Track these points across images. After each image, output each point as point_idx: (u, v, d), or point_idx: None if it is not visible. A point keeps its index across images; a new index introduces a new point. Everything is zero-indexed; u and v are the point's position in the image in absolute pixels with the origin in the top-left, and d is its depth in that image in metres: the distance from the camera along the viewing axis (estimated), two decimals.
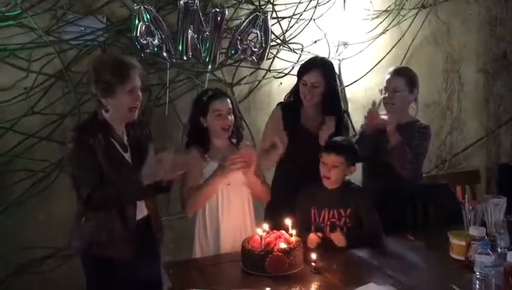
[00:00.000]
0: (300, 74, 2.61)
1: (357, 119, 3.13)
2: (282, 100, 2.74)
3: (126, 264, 2.06)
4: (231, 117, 2.35)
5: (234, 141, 2.44)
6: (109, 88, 2.05)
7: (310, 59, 2.72)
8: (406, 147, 2.58)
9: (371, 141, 2.68)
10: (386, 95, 2.69)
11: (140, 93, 2.13)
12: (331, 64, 2.70)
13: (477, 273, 1.67)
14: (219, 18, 2.82)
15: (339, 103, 2.71)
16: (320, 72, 2.56)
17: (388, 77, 2.72)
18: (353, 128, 3.19)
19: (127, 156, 2.15)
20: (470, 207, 2.25)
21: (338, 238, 2.24)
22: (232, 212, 2.35)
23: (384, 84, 2.72)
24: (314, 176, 2.40)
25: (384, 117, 2.64)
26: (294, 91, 2.67)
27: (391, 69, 2.76)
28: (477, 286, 1.67)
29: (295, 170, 2.54)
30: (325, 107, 2.61)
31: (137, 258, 2.08)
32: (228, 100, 2.37)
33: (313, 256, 2.04)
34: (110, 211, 2.08)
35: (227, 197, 2.35)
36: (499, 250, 2.07)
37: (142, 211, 2.20)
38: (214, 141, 2.39)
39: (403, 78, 2.69)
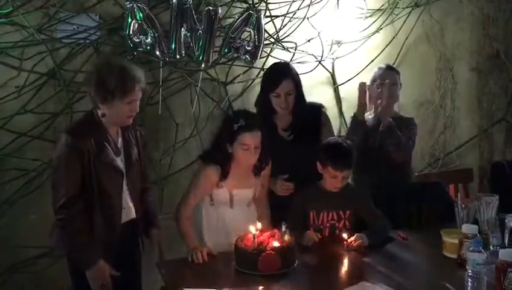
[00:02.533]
0: (273, 87, 2.52)
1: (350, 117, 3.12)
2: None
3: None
4: (258, 151, 2.25)
5: (255, 171, 2.35)
6: (109, 97, 2.01)
7: (275, 69, 2.66)
8: (396, 129, 2.67)
9: (362, 133, 2.73)
10: (382, 89, 2.74)
11: (138, 103, 2.10)
12: (293, 66, 2.68)
13: (469, 271, 1.68)
14: (212, 16, 2.81)
15: (305, 102, 2.65)
16: (291, 79, 2.53)
17: (381, 72, 2.80)
18: (346, 126, 3.19)
19: (119, 159, 2.13)
20: (463, 205, 2.27)
21: (361, 239, 2.23)
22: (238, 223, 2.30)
23: (378, 80, 2.79)
24: (303, 179, 2.42)
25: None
26: (263, 102, 2.60)
27: (380, 66, 2.86)
28: (469, 284, 1.67)
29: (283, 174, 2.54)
30: (297, 111, 2.58)
31: (118, 260, 2.08)
32: (259, 134, 2.24)
33: (345, 236, 2.17)
34: (91, 215, 2.05)
35: (229, 217, 2.35)
36: (491, 248, 2.09)
37: (131, 213, 2.18)
38: (235, 166, 2.30)
39: (396, 73, 2.83)
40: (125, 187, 2.15)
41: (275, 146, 2.52)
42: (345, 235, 2.26)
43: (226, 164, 2.28)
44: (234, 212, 2.35)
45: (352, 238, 2.23)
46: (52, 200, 2.03)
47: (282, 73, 2.56)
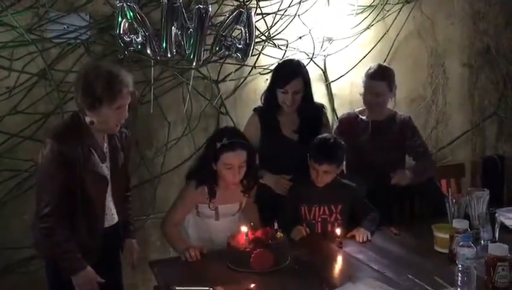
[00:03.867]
0: (282, 84, 2.53)
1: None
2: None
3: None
4: (243, 169, 2.19)
5: (244, 190, 2.31)
6: (97, 104, 1.95)
7: (287, 66, 2.65)
8: (411, 173, 2.64)
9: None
10: (368, 98, 2.70)
11: (126, 110, 2.04)
12: (304, 65, 2.67)
13: (459, 266, 1.69)
14: (203, 15, 2.81)
15: (313, 102, 2.68)
16: (301, 79, 2.53)
17: (368, 81, 2.71)
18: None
19: (105, 166, 2.08)
20: (454, 200, 2.27)
21: (362, 233, 2.27)
22: (221, 236, 2.29)
23: (363, 88, 2.73)
24: (295, 175, 2.43)
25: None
26: (269, 97, 2.61)
27: (369, 71, 2.73)
28: (459, 278, 1.68)
29: (276, 173, 2.55)
30: (303, 110, 2.59)
31: (99, 263, 2.06)
32: (244, 153, 2.17)
33: (338, 231, 2.17)
34: (73, 220, 2.02)
35: (214, 228, 2.33)
36: (482, 242, 2.11)
37: (113, 218, 2.15)
38: (221, 184, 2.25)
39: (385, 82, 2.70)
40: (109, 193, 2.11)
41: (278, 145, 2.53)
42: (338, 231, 2.27)
43: (212, 182, 2.23)
44: (220, 223, 2.31)
45: (360, 238, 2.27)
46: (36, 206, 2.00)
47: (294, 71, 2.55)
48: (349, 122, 2.81)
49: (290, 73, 2.54)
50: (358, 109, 2.86)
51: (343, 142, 2.45)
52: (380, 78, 2.69)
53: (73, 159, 1.95)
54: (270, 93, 2.62)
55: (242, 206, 2.37)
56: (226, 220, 2.33)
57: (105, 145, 2.11)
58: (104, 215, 2.11)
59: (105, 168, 2.08)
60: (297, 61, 2.71)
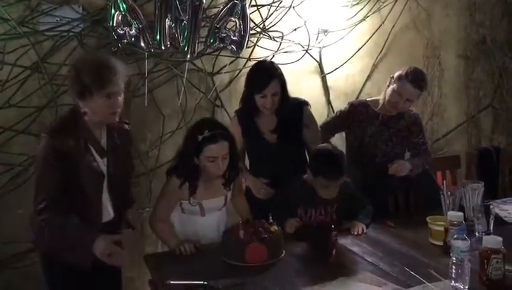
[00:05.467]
0: (259, 88, 2.45)
1: (338, 106, 3.11)
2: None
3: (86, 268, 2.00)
4: (227, 161, 2.14)
5: (225, 184, 2.25)
6: (86, 92, 1.91)
7: (261, 70, 2.53)
8: (410, 164, 2.64)
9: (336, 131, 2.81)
10: (399, 100, 2.60)
11: (120, 99, 1.99)
12: (278, 66, 2.56)
13: (453, 258, 1.68)
14: (197, 6, 2.79)
15: (289, 101, 2.57)
16: (277, 81, 2.46)
17: (405, 83, 2.57)
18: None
19: (103, 162, 2.06)
20: (449, 192, 2.27)
21: (357, 226, 2.27)
22: (207, 232, 2.29)
23: (396, 87, 2.59)
24: (285, 178, 2.41)
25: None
26: (247, 101, 2.54)
27: (410, 75, 2.56)
28: (453, 271, 1.68)
29: (266, 176, 2.56)
30: (281, 111, 2.53)
31: (99, 261, 2.01)
32: (226, 143, 2.12)
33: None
34: (71, 216, 1.99)
35: (201, 224, 2.30)
36: (477, 234, 2.11)
37: (108, 214, 2.12)
38: (203, 177, 2.21)
39: (421, 92, 2.64)
40: (105, 188, 2.08)
41: (257, 147, 2.52)
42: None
43: (193, 178, 2.17)
44: (206, 220, 2.29)
45: (355, 231, 2.27)
46: (34, 199, 1.98)
47: (269, 74, 2.46)
48: (360, 109, 2.75)
49: (267, 76, 2.45)
50: (370, 99, 2.82)
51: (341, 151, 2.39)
52: (419, 87, 2.59)
53: (67, 153, 1.93)
54: (247, 98, 2.54)
55: (227, 200, 2.33)
56: (213, 216, 2.29)
57: (104, 140, 2.08)
58: (102, 210, 2.09)
59: (101, 164, 2.06)
60: (271, 62, 2.63)
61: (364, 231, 2.30)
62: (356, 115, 2.74)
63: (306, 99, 2.67)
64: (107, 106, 1.95)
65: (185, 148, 2.18)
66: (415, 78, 2.58)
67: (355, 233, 2.27)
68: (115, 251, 1.92)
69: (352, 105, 2.80)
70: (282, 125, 2.55)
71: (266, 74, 2.48)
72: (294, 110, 2.58)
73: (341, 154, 2.33)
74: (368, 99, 2.84)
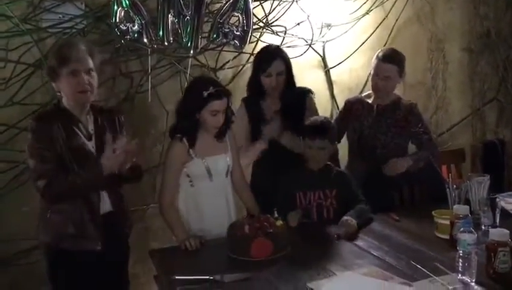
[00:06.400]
0: (264, 67, 2.54)
1: (342, 101, 3.10)
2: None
3: (91, 259, 2.05)
4: (224, 114, 2.27)
5: (217, 136, 2.34)
6: (52, 72, 2.01)
7: (266, 50, 2.64)
8: (410, 160, 2.64)
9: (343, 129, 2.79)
10: (377, 80, 2.66)
11: (88, 76, 2.01)
12: (282, 48, 2.71)
13: (460, 252, 1.68)
14: (200, 2, 2.78)
15: (296, 87, 2.66)
16: (282, 60, 2.55)
17: (378, 63, 2.66)
18: (338, 109, 3.18)
19: (91, 144, 2.09)
20: (454, 186, 2.26)
21: (351, 224, 2.22)
22: (216, 204, 2.32)
23: (373, 69, 2.69)
24: (288, 163, 2.43)
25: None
26: (253, 85, 2.62)
27: (380, 54, 2.69)
28: (460, 264, 1.67)
29: (270, 162, 2.57)
30: (286, 95, 2.59)
31: (103, 252, 2.06)
32: (226, 99, 2.25)
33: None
34: (73, 202, 2.03)
35: (210, 193, 2.32)
36: (483, 228, 2.10)
37: (105, 204, 2.13)
38: (200, 135, 2.30)
39: (395, 66, 2.66)
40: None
41: (260, 130, 2.54)
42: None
43: (192, 131, 2.27)
44: (214, 186, 2.31)
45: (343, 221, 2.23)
46: (35, 187, 2.01)
47: (274, 54, 2.58)
48: (355, 104, 2.79)
49: (271, 55, 2.56)
50: (365, 93, 2.86)
51: (333, 122, 2.49)
52: (390, 61, 2.65)
53: (52, 134, 1.99)
54: (254, 80, 2.62)
55: (230, 163, 2.36)
56: (220, 181, 2.32)
57: (91, 125, 2.12)
58: (99, 198, 2.10)
59: (91, 146, 2.09)
60: (276, 45, 2.75)
61: (352, 226, 2.21)
62: (353, 111, 2.78)
63: None
64: (73, 84, 2.00)
65: (188, 104, 2.27)
66: (384, 54, 2.67)
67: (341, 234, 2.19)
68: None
69: (348, 102, 2.86)
70: (285, 110, 2.60)
71: (271, 53, 2.59)
72: (298, 97, 2.65)
73: (327, 118, 2.49)
74: (363, 94, 2.88)
